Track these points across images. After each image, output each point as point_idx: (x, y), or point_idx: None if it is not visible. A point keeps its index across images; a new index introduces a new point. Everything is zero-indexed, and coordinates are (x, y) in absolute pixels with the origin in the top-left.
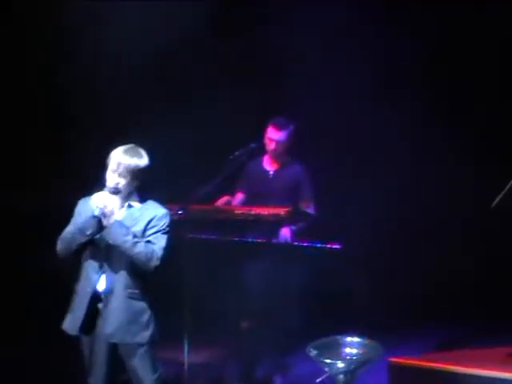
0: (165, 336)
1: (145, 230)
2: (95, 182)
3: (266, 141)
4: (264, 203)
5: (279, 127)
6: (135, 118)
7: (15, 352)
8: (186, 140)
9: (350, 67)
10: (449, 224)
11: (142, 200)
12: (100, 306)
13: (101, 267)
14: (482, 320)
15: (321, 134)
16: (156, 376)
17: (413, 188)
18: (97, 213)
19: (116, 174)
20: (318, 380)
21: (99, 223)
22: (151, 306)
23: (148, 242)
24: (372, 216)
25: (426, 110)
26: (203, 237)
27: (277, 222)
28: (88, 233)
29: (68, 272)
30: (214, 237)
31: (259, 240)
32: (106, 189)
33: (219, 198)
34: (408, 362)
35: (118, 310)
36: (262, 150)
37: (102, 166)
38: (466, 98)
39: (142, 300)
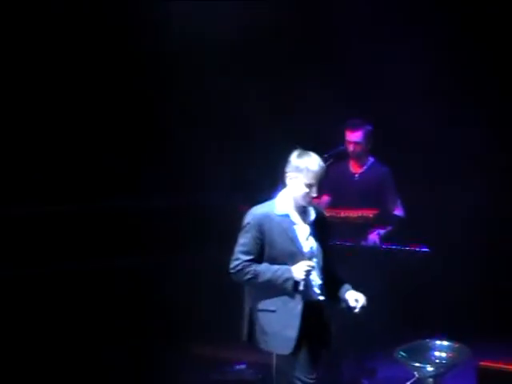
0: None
1: None
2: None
3: (346, 144)
4: (350, 205)
5: (354, 128)
6: None
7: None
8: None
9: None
10: None
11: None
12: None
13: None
14: None
15: (402, 134)
16: None
17: (504, 189)
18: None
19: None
20: (407, 383)
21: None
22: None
23: None
24: (459, 217)
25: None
26: None
27: (365, 225)
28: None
29: None
30: None
31: (348, 243)
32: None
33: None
34: (498, 366)
35: None
36: (348, 154)
37: None
38: None
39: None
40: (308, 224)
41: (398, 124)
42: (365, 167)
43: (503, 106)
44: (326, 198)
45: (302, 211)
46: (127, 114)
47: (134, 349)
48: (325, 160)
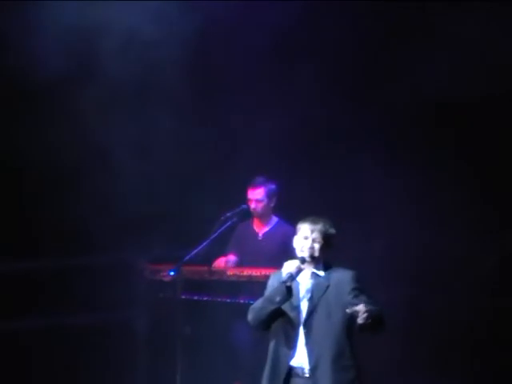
0: None
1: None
2: None
3: (248, 202)
4: (255, 264)
5: (255, 186)
6: None
7: None
8: None
9: None
10: None
11: (326, 267)
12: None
13: (294, 341)
14: None
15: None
16: None
17: None
18: (284, 279)
19: (310, 241)
20: None
21: (288, 291)
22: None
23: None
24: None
25: None
26: (195, 298)
27: None
28: (277, 300)
29: None
30: (206, 298)
31: (252, 301)
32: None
33: (215, 259)
34: None
35: None
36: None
37: None
38: None
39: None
40: None
41: None
42: (269, 226)
43: None
44: (231, 257)
45: None
46: None
47: None
48: (227, 219)
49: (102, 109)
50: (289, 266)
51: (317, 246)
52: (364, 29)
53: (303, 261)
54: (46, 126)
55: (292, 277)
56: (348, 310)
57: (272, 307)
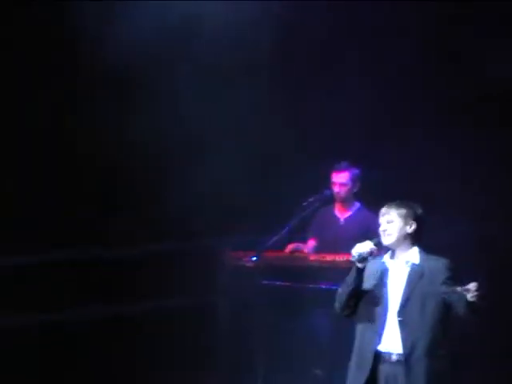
0: None
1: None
2: None
3: (331, 186)
4: (336, 250)
5: (340, 170)
6: None
7: None
8: None
9: None
10: None
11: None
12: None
13: (382, 327)
14: None
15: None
16: None
17: None
18: (354, 259)
19: (391, 225)
20: None
21: (359, 272)
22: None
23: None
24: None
25: None
26: (277, 283)
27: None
28: (349, 282)
29: None
30: (288, 284)
31: (334, 287)
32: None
33: (288, 244)
34: None
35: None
36: (334, 198)
37: None
38: None
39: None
40: None
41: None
42: (350, 212)
43: None
44: (311, 243)
45: None
46: None
47: None
48: (309, 204)
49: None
50: (360, 247)
51: (397, 231)
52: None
53: (378, 244)
54: (143, 113)
55: (362, 257)
56: (459, 289)
57: (347, 290)
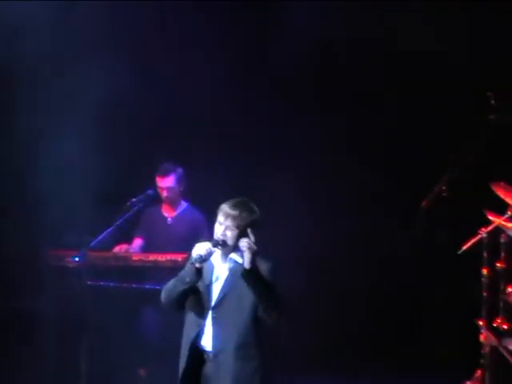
0: None
1: None
2: None
3: (159, 190)
4: (163, 250)
5: (164, 174)
6: None
7: None
8: None
9: None
10: None
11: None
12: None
13: (202, 324)
14: None
15: None
16: None
17: None
18: (193, 260)
19: (223, 227)
20: None
21: (198, 272)
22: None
23: None
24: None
25: None
26: (101, 284)
27: (175, 269)
28: (187, 280)
29: None
30: (112, 284)
31: (158, 287)
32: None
33: (116, 245)
34: None
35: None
36: (159, 198)
37: None
38: None
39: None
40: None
41: None
42: (178, 211)
43: None
44: (138, 242)
45: None
46: None
47: None
48: (133, 204)
49: None
50: (199, 248)
51: (230, 233)
52: None
53: (216, 244)
54: None
55: (201, 258)
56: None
57: (182, 287)
